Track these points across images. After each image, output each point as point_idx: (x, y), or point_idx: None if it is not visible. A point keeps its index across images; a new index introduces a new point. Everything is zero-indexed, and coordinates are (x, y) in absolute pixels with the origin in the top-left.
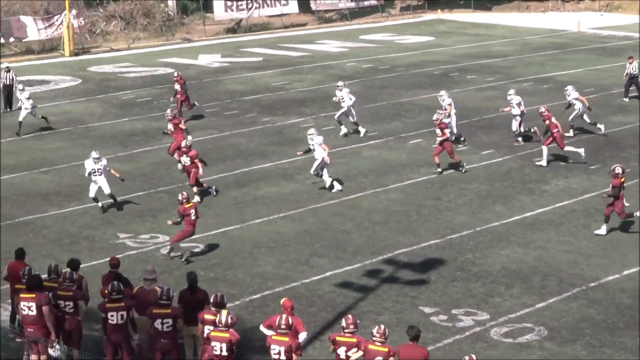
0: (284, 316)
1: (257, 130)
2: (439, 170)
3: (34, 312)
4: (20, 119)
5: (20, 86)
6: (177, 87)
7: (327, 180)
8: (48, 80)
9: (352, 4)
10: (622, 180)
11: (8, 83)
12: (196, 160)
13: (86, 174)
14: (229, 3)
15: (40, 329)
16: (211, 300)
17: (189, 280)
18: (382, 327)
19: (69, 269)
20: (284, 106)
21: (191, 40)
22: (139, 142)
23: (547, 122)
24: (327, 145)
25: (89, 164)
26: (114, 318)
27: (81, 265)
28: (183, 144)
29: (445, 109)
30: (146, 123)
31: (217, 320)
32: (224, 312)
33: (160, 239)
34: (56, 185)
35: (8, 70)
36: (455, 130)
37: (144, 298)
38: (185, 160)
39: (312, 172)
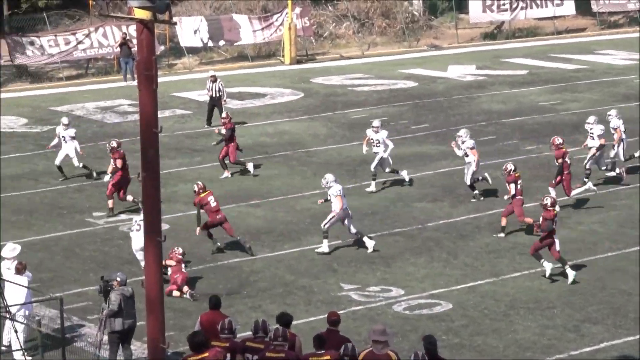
0: None
1: (518, 160)
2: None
3: None
4: (58, 162)
5: (65, 120)
6: (223, 131)
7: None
8: (263, 94)
9: None
10: (554, 212)
11: (214, 95)
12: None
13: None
14: (488, 2)
15: None
16: None
17: (426, 344)
18: None
19: (279, 326)
20: (553, 131)
21: (439, 47)
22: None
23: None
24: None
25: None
26: None
27: (294, 322)
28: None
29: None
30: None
31: None
32: None
33: (393, 292)
34: (268, 222)
35: (214, 79)
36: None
37: None
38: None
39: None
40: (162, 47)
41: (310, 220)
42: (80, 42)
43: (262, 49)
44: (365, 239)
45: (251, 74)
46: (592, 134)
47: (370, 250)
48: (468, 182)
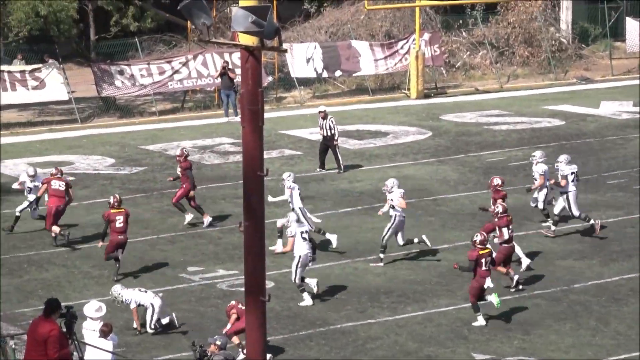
0: None
1: None
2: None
3: None
4: (18, 211)
5: (31, 171)
6: (178, 171)
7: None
8: (385, 132)
9: None
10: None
11: (326, 134)
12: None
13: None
14: None
15: None
16: None
17: None
18: None
19: None
20: None
21: (591, 80)
22: (518, 221)
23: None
24: None
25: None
26: None
27: None
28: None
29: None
30: (518, 197)
31: None
32: None
33: None
34: (389, 280)
35: (324, 116)
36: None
37: None
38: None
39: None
40: (270, 78)
41: (438, 278)
42: (176, 72)
43: (385, 81)
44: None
45: (371, 109)
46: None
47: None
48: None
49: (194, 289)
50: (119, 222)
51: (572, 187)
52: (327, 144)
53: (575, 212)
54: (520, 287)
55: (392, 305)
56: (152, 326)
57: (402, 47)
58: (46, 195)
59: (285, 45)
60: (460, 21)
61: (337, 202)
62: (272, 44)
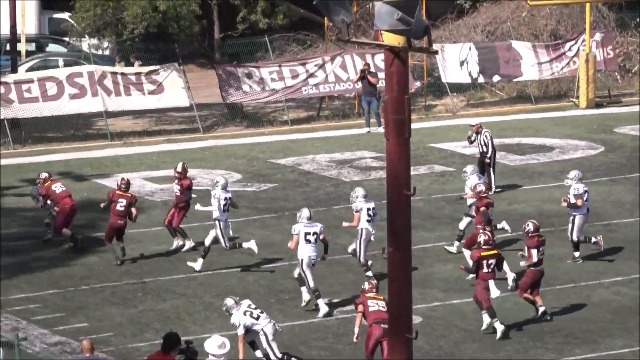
0: None
1: None
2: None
3: None
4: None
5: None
6: (177, 189)
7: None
8: (550, 147)
9: None
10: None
11: (483, 150)
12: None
13: None
14: None
15: None
16: None
17: None
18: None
19: None
20: None
21: None
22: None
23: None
24: None
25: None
26: None
27: None
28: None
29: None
30: None
31: None
32: None
33: None
34: (555, 317)
35: (479, 129)
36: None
37: None
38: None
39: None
40: (418, 84)
41: (612, 316)
42: (311, 75)
43: (550, 88)
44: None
45: (534, 120)
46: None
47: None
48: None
49: (330, 324)
50: (120, 205)
51: (583, 209)
52: (482, 162)
53: (576, 237)
54: (548, 317)
55: (558, 346)
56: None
57: (569, 49)
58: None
59: (435, 46)
60: (638, 19)
61: None
62: (420, 45)
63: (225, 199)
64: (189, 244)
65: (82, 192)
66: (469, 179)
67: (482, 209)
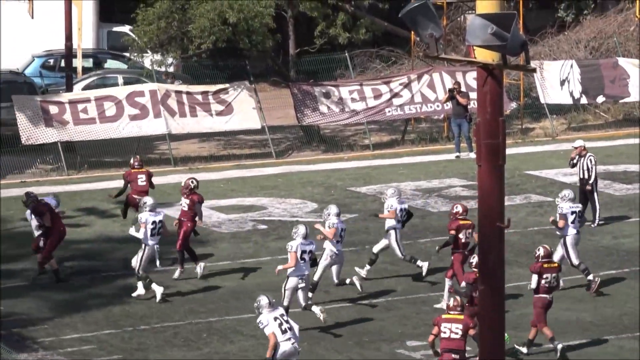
0: None
1: None
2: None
3: None
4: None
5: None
6: (184, 203)
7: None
8: None
9: None
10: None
11: (583, 176)
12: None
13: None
14: None
15: None
16: None
17: None
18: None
19: None
20: None
21: None
22: None
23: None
24: None
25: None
26: None
27: None
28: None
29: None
30: None
31: None
32: None
33: None
34: None
35: (582, 152)
36: None
37: None
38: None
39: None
40: (514, 105)
41: None
42: (396, 95)
43: None
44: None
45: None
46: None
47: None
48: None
49: None
50: (141, 180)
51: (571, 230)
52: (584, 189)
53: (575, 260)
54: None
55: None
56: None
57: None
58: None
59: (533, 63)
60: None
61: (598, 262)
62: (517, 62)
63: (154, 222)
64: (199, 269)
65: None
66: (386, 200)
67: (451, 232)
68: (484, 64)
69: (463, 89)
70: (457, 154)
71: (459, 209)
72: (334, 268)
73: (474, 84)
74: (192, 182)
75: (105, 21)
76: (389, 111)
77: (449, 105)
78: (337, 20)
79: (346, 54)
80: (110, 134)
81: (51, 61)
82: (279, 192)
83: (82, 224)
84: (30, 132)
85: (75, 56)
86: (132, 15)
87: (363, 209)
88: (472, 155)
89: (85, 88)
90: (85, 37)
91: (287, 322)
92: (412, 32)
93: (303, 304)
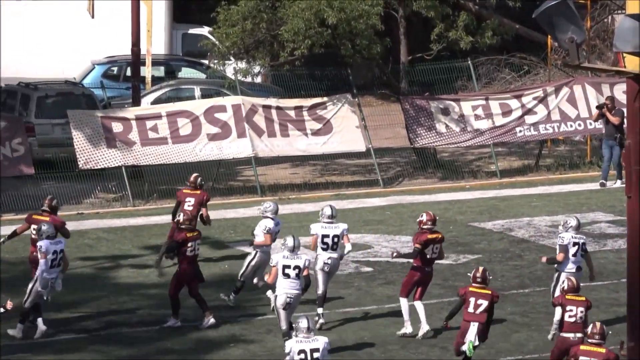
0: None
1: None
2: None
3: None
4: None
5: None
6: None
7: None
8: None
9: None
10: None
11: None
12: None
13: None
14: None
15: None
16: None
17: None
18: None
19: None
20: None
21: None
22: None
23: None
24: None
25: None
26: None
27: None
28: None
29: None
30: None
31: None
32: None
33: None
34: None
35: None
36: None
37: None
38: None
39: None
40: None
41: None
42: (529, 112)
43: None
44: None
45: None
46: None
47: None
48: None
49: None
50: (189, 204)
51: (569, 266)
52: None
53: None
54: None
55: None
56: None
57: None
58: None
59: None
60: None
61: None
62: None
63: (55, 252)
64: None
65: (222, 263)
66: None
67: (416, 245)
68: (635, 74)
69: (615, 104)
70: (603, 181)
71: (424, 217)
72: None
73: (623, 98)
74: (198, 179)
75: (180, 22)
76: (521, 131)
77: (598, 124)
78: (458, 22)
79: (469, 62)
80: (185, 156)
81: (115, 69)
82: (386, 228)
83: (150, 264)
84: (89, 155)
85: (144, 63)
86: (212, 15)
87: (488, 248)
88: (621, 184)
89: (156, 102)
90: (156, 41)
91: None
92: (549, 36)
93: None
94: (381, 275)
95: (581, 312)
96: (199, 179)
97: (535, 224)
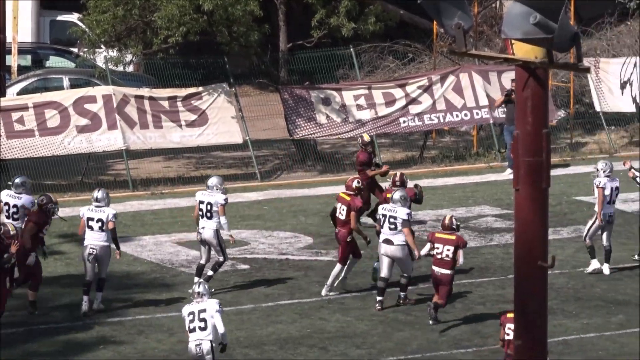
0: None
1: None
2: None
3: None
4: None
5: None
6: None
7: None
8: None
9: None
10: None
11: None
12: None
13: None
14: None
15: None
16: None
17: None
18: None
19: None
20: None
21: None
22: None
23: None
24: None
25: None
26: None
27: None
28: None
29: None
30: None
31: None
32: None
33: None
34: None
35: None
36: None
37: None
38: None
39: None
40: (562, 113)
41: None
42: (413, 101)
43: None
44: None
45: None
46: None
47: None
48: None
49: None
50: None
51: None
52: None
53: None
54: None
55: None
56: None
57: None
58: None
59: (587, 61)
60: None
61: None
62: (566, 59)
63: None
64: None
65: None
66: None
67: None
68: (524, 61)
69: (498, 92)
70: (510, 170)
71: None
72: None
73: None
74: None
75: (47, 8)
76: (405, 121)
77: (501, 111)
78: (340, 7)
79: (351, 50)
80: (52, 150)
81: None
82: (264, 224)
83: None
84: None
85: (10, 52)
86: (82, 0)
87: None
88: (508, 174)
89: (22, 92)
90: (22, 28)
91: (202, 320)
92: (435, 22)
93: None
94: (258, 272)
95: (447, 250)
96: None
97: (419, 217)
